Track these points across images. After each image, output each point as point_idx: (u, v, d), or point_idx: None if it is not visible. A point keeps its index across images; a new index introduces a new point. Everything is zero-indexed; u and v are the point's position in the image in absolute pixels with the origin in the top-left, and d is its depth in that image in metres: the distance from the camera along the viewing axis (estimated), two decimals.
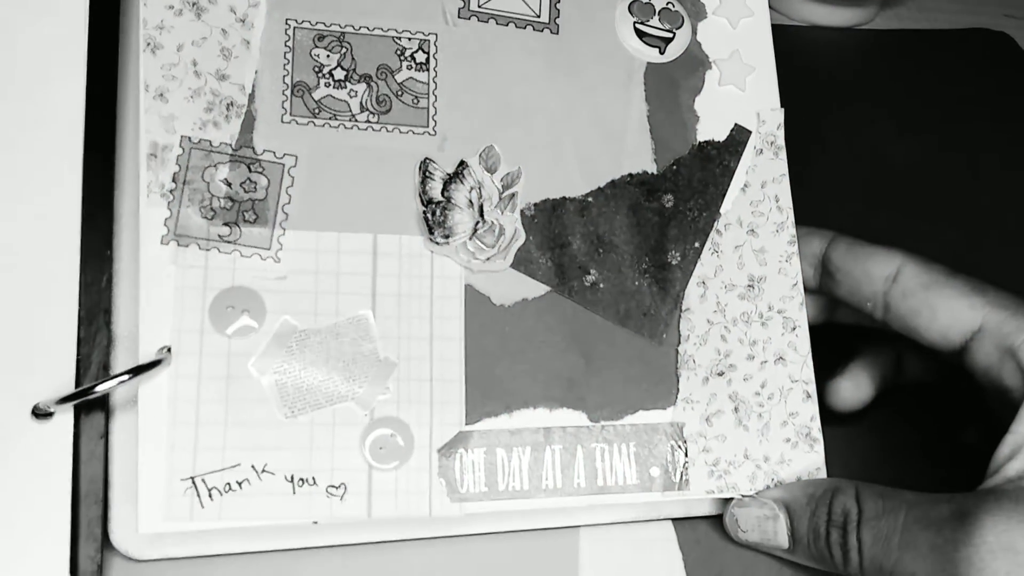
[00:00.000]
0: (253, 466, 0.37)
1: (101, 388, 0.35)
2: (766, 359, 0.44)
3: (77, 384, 0.36)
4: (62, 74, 0.38)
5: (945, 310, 0.41)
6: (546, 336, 0.41)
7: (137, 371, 0.36)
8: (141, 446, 0.36)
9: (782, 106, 0.46)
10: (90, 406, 0.36)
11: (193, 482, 0.37)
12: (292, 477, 0.38)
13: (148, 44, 0.39)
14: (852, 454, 0.45)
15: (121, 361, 0.37)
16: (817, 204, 0.46)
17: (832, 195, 0.53)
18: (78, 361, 0.36)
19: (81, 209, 0.37)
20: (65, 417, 0.36)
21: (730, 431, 0.43)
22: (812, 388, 0.44)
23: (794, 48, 0.57)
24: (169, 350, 0.37)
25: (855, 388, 0.46)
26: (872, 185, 0.56)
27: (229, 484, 0.37)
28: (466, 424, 0.40)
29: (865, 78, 0.61)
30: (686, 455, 0.42)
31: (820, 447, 0.43)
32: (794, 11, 0.63)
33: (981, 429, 0.44)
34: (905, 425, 0.47)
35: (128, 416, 0.37)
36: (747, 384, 0.43)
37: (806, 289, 0.45)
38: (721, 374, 0.43)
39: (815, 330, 0.45)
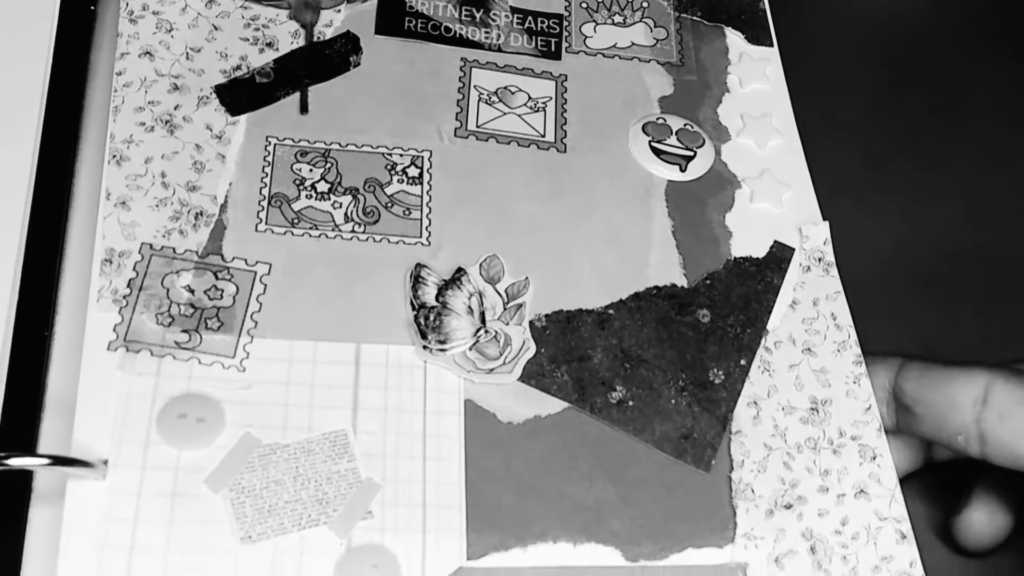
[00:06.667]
0: None
1: (16, 462, 0.29)
2: (843, 492, 0.35)
3: None
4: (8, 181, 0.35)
5: None
6: (565, 459, 0.34)
7: (62, 462, 0.29)
8: (60, 570, 0.29)
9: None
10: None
11: None
12: None
13: (114, 156, 0.37)
14: None
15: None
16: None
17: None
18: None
19: (16, 310, 0.33)
20: None
21: (808, 575, 0.34)
22: (907, 527, 0.35)
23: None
24: (106, 463, 0.31)
25: (989, 519, 0.37)
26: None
27: None
28: (468, 559, 0.32)
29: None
30: None
31: None
32: None
33: None
34: None
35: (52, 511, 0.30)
36: (823, 520, 0.35)
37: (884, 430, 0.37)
38: (789, 507, 0.35)
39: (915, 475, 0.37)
